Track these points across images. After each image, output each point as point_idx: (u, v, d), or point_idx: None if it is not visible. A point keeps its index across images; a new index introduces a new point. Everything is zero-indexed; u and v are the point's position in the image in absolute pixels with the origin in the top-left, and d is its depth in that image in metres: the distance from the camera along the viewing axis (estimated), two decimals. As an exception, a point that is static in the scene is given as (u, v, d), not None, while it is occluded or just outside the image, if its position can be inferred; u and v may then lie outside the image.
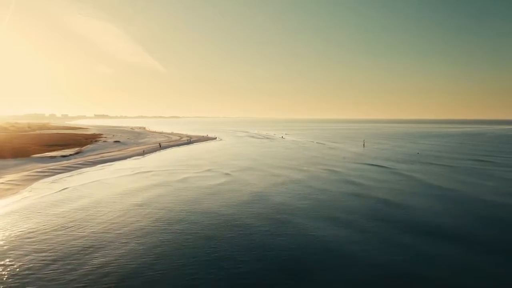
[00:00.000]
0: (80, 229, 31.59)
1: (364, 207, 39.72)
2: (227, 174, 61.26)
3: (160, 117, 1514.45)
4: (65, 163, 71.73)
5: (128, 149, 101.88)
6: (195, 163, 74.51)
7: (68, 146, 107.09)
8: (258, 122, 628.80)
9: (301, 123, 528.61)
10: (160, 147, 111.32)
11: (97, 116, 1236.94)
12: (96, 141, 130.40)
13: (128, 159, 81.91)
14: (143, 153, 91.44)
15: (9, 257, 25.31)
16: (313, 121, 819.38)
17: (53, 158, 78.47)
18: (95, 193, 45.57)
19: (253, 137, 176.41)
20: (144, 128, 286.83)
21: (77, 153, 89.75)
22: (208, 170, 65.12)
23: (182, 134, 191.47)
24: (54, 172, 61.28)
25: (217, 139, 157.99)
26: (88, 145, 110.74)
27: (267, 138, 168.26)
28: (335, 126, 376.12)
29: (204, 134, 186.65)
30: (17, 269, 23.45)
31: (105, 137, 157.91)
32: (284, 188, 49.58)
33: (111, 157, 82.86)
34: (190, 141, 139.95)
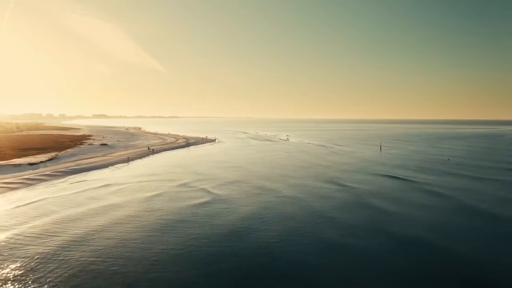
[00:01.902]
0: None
1: (398, 257, 25.86)
2: (212, 191, 47.46)
3: (160, 117, 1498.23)
4: (28, 173, 58.53)
5: (113, 154, 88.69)
6: (182, 173, 61.47)
7: (45, 151, 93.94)
8: (259, 122, 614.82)
9: (303, 123, 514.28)
10: (153, 151, 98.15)
11: (95, 116, 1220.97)
12: (81, 144, 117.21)
13: (109, 167, 68.61)
14: (128, 160, 78.00)
15: None
16: (314, 121, 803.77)
17: (17, 166, 65.26)
18: (15, 227, 31.85)
19: (255, 138, 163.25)
20: (140, 128, 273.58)
21: (51, 159, 76.54)
22: (192, 185, 51.67)
23: (179, 135, 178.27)
24: (6, 188, 48.08)
25: (216, 141, 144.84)
26: (68, 149, 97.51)
27: (270, 140, 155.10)
28: (338, 127, 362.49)
29: (203, 136, 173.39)
30: None
31: (94, 139, 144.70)
32: (278, 218, 35.42)
33: (89, 165, 69.62)
34: (187, 143, 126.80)
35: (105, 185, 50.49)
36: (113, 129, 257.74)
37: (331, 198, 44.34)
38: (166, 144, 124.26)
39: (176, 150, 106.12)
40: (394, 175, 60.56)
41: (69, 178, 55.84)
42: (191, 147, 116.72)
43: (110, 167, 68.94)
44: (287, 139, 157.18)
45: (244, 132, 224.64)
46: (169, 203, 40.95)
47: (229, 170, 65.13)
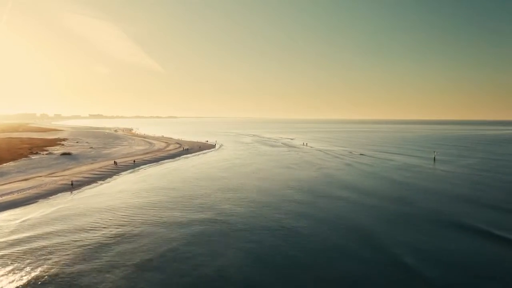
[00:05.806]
0: None
1: None
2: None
3: (158, 117, 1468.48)
4: None
5: (66, 172, 60.36)
6: (127, 218, 33.95)
7: (-27, 165, 65.74)
8: (259, 122, 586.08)
9: (304, 124, 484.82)
10: (134, 162, 69.87)
11: (91, 116, 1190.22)
12: (37, 152, 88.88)
13: (29, 204, 40.22)
14: (72, 187, 48.67)
15: None
16: (315, 121, 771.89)
17: None
18: None
19: (262, 143, 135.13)
20: (130, 130, 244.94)
21: (-47, 185, 48.26)
22: (118, 260, 23.86)
23: (172, 139, 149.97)
24: None
25: (216, 147, 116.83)
26: (8, 163, 69.23)
27: (279, 146, 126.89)
28: (346, 128, 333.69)
29: (201, 140, 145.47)
30: None
31: (63, 144, 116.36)
32: None
33: (1, 198, 41.22)
34: (180, 151, 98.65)
35: None
36: (100, 131, 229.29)
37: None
38: (152, 152, 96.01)
39: (161, 162, 77.82)
40: (498, 234, 31.09)
41: None
42: (182, 157, 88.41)
43: (34, 202, 40.50)
44: (304, 144, 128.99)
45: (249, 135, 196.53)
46: None
47: (218, 223, 36.94)
